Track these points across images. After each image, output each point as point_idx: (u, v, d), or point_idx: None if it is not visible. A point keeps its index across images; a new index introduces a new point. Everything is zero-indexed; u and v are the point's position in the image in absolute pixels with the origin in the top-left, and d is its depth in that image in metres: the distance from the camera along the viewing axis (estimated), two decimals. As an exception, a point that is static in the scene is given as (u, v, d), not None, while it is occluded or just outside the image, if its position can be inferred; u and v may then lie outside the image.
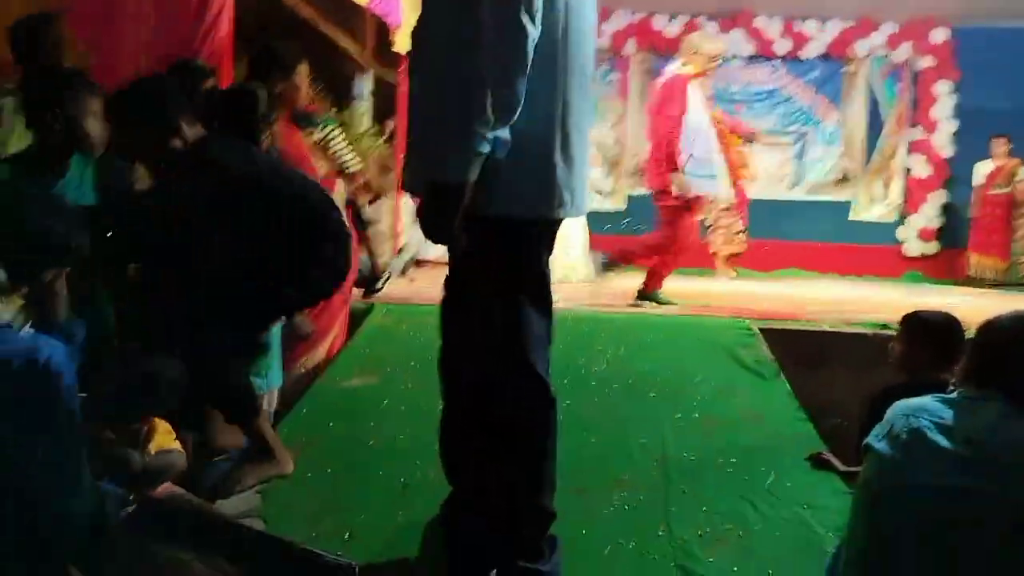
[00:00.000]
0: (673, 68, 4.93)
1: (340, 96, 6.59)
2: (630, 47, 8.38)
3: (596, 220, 8.36)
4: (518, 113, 1.65)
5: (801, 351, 3.90)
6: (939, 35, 8.10)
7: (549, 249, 1.95)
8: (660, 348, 3.79)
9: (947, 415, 1.74)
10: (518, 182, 1.73)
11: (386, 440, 2.81)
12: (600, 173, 8.50)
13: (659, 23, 8.25)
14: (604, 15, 8.14)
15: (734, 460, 2.75)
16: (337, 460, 2.71)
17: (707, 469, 2.70)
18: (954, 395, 1.80)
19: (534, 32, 1.61)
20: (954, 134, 8.30)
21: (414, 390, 3.18)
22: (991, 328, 1.80)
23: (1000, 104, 7.37)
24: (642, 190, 8.44)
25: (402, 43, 5.73)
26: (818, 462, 2.73)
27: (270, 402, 3.09)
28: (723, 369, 3.54)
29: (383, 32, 6.05)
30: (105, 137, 2.54)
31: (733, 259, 7.34)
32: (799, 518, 2.42)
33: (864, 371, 3.72)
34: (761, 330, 3.95)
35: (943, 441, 1.71)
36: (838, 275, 8.16)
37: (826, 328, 4.12)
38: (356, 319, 3.79)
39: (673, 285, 5.17)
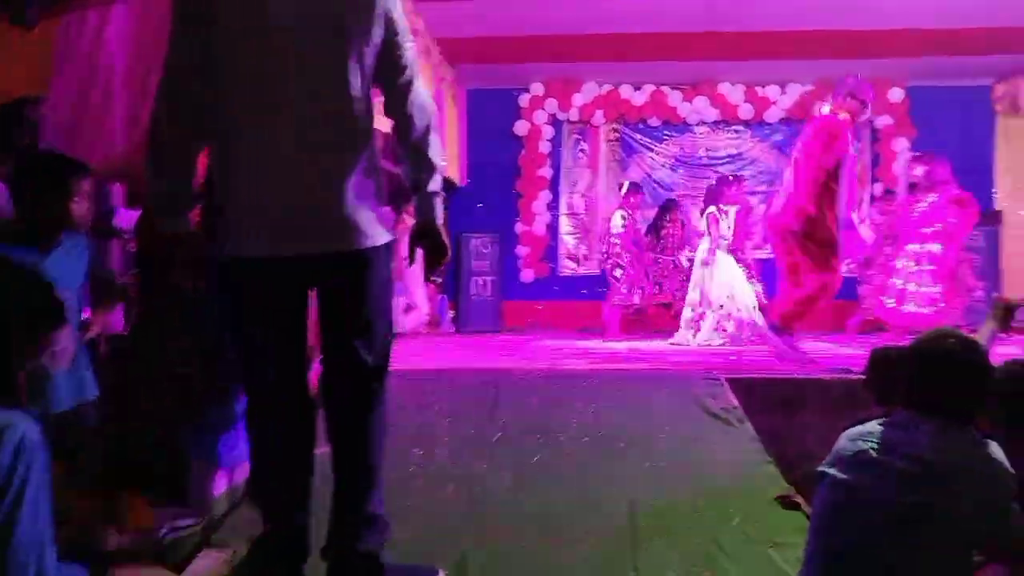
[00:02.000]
0: (824, 111, 5.04)
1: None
2: (598, 118, 8.65)
3: (570, 286, 8.55)
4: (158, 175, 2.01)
5: (770, 400, 3.96)
6: (895, 94, 8.42)
7: (262, 288, 2.01)
8: (631, 402, 3.84)
9: (890, 436, 1.82)
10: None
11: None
12: (573, 240, 8.69)
13: (626, 93, 8.54)
14: (576, 87, 8.44)
15: (702, 504, 2.79)
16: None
17: (676, 514, 2.74)
18: (895, 418, 1.87)
19: (172, 109, 1.96)
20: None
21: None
22: (919, 353, 1.88)
23: (953, 158, 7.61)
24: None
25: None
26: (786, 503, 2.77)
27: (240, 474, 3.11)
28: (691, 418, 3.60)
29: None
30: (91, 217, 2.69)
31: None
32: (766, 556, 2.46)
33: (836, 416, 3.77)
34: (729, 380, 4.01)
35: (887, 460, 1.77)
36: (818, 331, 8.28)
37: (793, 376, 4.19)
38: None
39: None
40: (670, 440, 3.35)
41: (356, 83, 1.97)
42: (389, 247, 2.10)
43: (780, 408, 3.94)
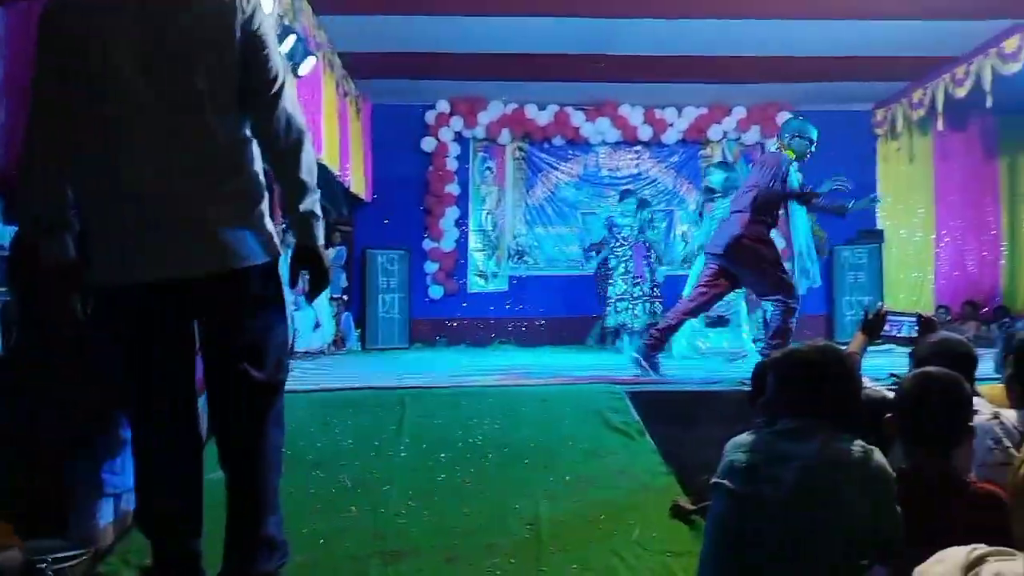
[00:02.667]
0: (772, 148, 5.24)
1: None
2: (505, 136, 8.74)
3: (480, 303, 8.58)
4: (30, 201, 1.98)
5: (669, 411, 4.05)
6: (783, 117, 8.81)
7: (136, 318, 1.97)
8: (536, 417, 3.87)
9: (777, 445, 1.88)
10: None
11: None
12: (482, 257, 8.73)
13: (531, 113, 8.66)
14: (482, 105, 8.50)
15: (603, 517, 2.83)
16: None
17: (577, 528, 2.78)
18: (781, 427, 1.93)
19: (39, 136, 1.92)
20: (802, 207, 8.97)
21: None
22: (797, 361, 1.96)
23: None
24: (522, 271, 8.71)
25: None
26: (677, 510, 2.83)
27: (127, 502, 2.98)
28: (593, 432, 3.66)
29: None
30: None
31: None
32: (664, 565, 2.52)
33: (731, 427, 3.89)
34: (629, 393, 4.10)
35: (777, 470, 1.83)
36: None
37: (691, 388, 4.32)
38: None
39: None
40: (572, 454, 3.40)
41: (215, 104, 1.92)
42: (271, 265, 2.04)
43: (679, 419, 4.03)
